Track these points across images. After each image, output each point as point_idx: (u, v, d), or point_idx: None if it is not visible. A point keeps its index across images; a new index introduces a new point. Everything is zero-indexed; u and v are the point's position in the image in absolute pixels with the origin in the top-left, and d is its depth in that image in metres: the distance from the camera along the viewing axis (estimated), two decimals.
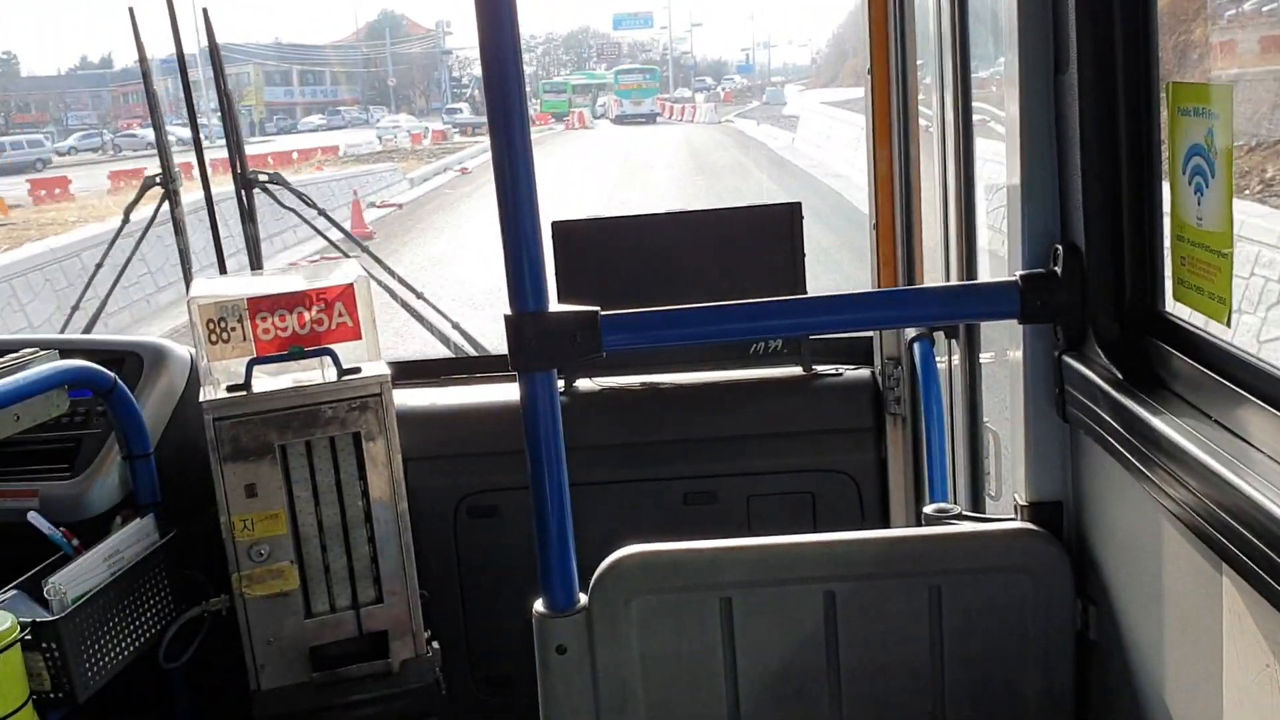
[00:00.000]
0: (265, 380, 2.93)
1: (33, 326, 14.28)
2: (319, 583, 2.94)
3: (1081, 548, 1.91)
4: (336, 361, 2.93)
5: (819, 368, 3.33)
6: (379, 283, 3.82)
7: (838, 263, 13.49)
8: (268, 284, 3.05)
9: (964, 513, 2.08)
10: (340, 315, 3.01)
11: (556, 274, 3.12)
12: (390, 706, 2.96)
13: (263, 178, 3.97)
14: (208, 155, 3.89)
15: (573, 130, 61.53)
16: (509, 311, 1.85)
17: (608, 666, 1.96)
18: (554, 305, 1.87)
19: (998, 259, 2.14)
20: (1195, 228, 1.61)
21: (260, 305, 2.95)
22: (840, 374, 3.32)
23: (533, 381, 1.87)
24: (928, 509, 2.10)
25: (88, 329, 4.15)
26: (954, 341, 2.72)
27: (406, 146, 48.39)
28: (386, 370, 2.95)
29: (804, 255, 3.22)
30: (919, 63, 2.93)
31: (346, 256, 3.82)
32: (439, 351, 4.15)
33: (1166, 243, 1.70)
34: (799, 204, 3.24)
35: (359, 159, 39.77)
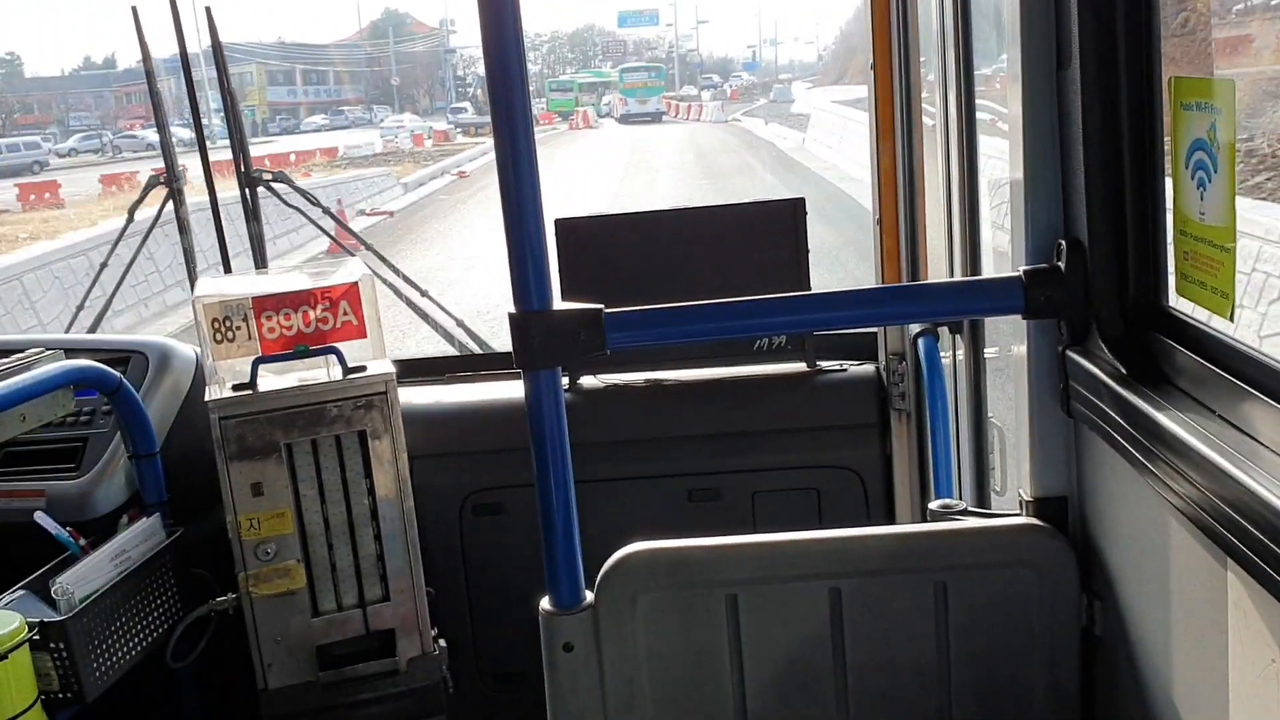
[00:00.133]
0: (270, 379, 2.94)
1: (43, 324, 14.40)
2: (325, 581, 2.94)
3: (1086, 543, 1.91)
4: (342, 360, 2.93)
5: (823, 364, 3.33)
6: (384, 281, 3.83)
7: (860, 281, 13.42)
8: (272, 283, 3.05)
9: (969, 508, 2.08)
10: (345, 314, 3.02)
11: (560, 272, 3.12)
12: (397, 705, 2.97)
13: (266, 176, 3.98)
14: (209, 155, 3.89)
15: (577, 130, 60.86)
16: (513, 310, 1.86)
17: (614, 664, 1.96)
18: (558, 303, 1.88)
19: (1001, 256, 2.14)
20: (1198, 222, 1.61)
21: (265, 304, 2.95)
22: (845, 370, 3.32)
23: (537, 379, 1.88)
24: (933, 505, 2.10)
25: (93, 329, 4.17)
26: (958, 337, 2.72)
27: (409, 147, 47.56)
28: (391, 368, 2.95)
29: (808, 251, 3.21)
30: (922, 59, 2.93)
31: (351, 255, 3.83)
32: (439, 350, 4.16)
33: (1169, 238, 1.70)
34: (802, 200, 3.23)
35: (355, 161, 38.86)
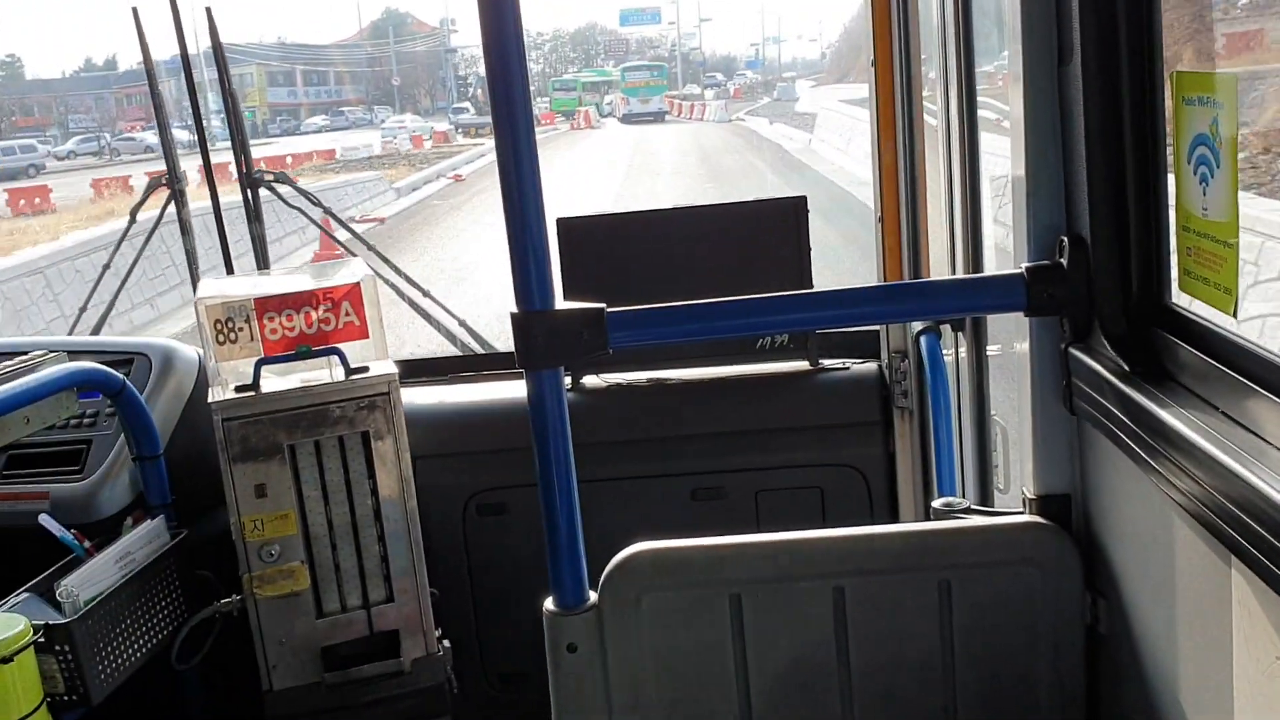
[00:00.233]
0: (273, 380, 2.94)
1: (65, 315, 14.61)
2: (329, 582, 2.94)
3: (1090, 541, 1.91)
4: (344, 361, 2.93)
5: (826, 362, 3.33)
6: (386, 281, 3.83)
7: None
8: (275, 284, 3.05)
9: (972, 506, 2.08)
10: (347, 314, 3.02)
11: (562, 271, 3.12)
12: (402, 705, 2.97)
13: (268, 177, 3.98)
14: (209, 157, 3.89)
15: (578, 130, 60.20)
16: (515, 309, 1.86)
17: (619, 664, 1.96)
18: (560, 303, 1.87)
19: (1003, 253, 2.14)
20: (1201, 218, 1.60)
21: (267, 305, 2.95)
22: (847, 368, 3.32)
23: (540, 379, 1.87)
24: (936, 503, 2.10)
25: (96, 330, 4.17)
26: (960, 335, 2.71)
27: (408, 149, 46.57)
28: (394, 369, 2.95)
29: (810, 249, 3.21)
30: (923, 55, 2.93)
31: (353, 255, 3.83)
32: (436, 351, 4.16)
33: (1172, 233, 1.70)
34: (804, 198, 3.23)
35: (351, 164, 37.64)
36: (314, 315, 2.98)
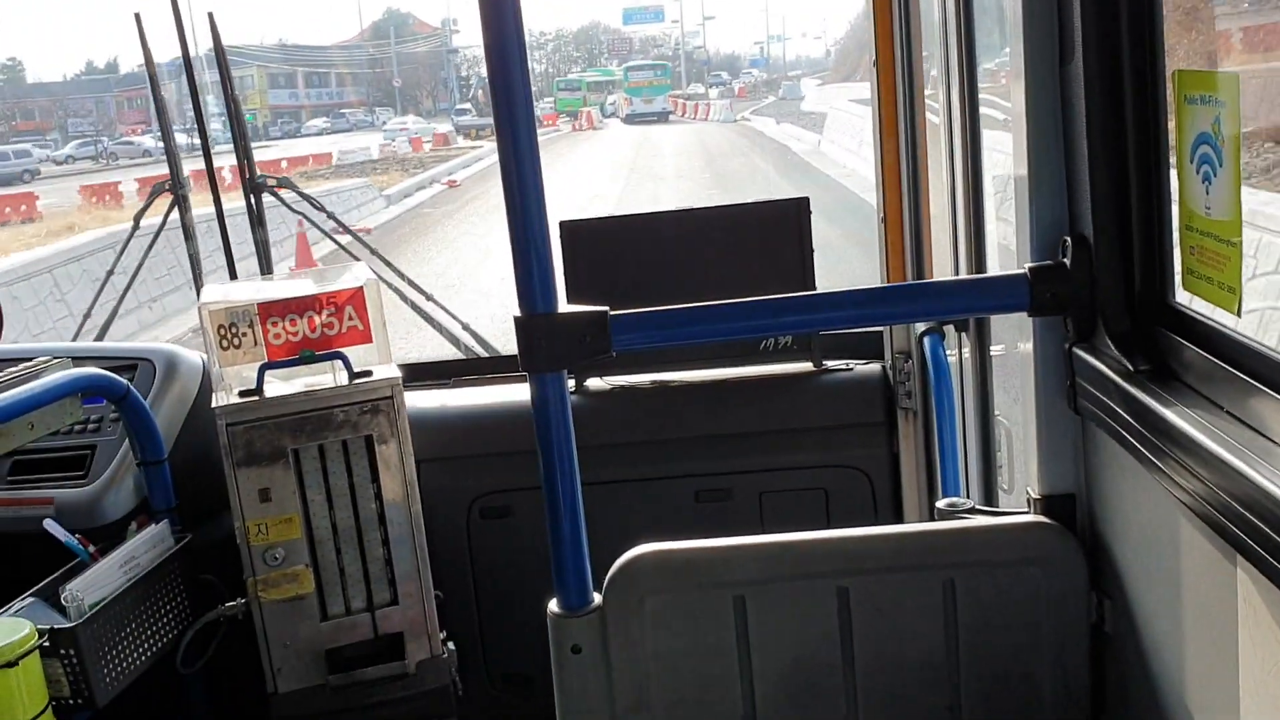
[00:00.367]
0: (277, 385, 2.94)
1: (73, 314, 14.68)
2: (334, 586, 2.94)
3: (1095, 540, 1.91)
4: (347, 365, 2.94)
5: (829, 363, 3.33)
6: (389, 285, 3.83)
7: None
8: (278, 288, 3.06)
9: (977, 506, 2.07)
10: (350, 319, 3.02)
11: (565, 274, 3.12)
12: (407, 708, 2.97)
13: (271, 182, 3.99)
14: (213, 164, 3.90)
15: (580, 132, 59.17)
16: (519, 313, 1.86)
17: (623, 665, 1.96)
18: (563, 306, 1.87)
19: (1006, 251, 2.14)
20: (1204, 217, 1.60)
21: (271, 310, 2.96)
22: (851, 369, 3.32)
23: (543, 382, 1.88)
24: (940, 503, 2.09)
25: (100, 336, 4.17)
26: (964, 335, 2.71)
27: (408, 152, 45.22)
28: (397, 373, 2.95)
29: (812, 250, 3.21)
30: (925, 53, 2.93)
31: (356, 260, 3.83)
32: (437, 356, 4.15)
33: (1175, 232, 1.69)
34: (806, 199, 3.23)
35: (346, 169, 36.04)
36: (317, 320, 2.99)
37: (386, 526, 2.95)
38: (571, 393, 2.02)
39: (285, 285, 3.10)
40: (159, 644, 2.89)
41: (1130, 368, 1.67)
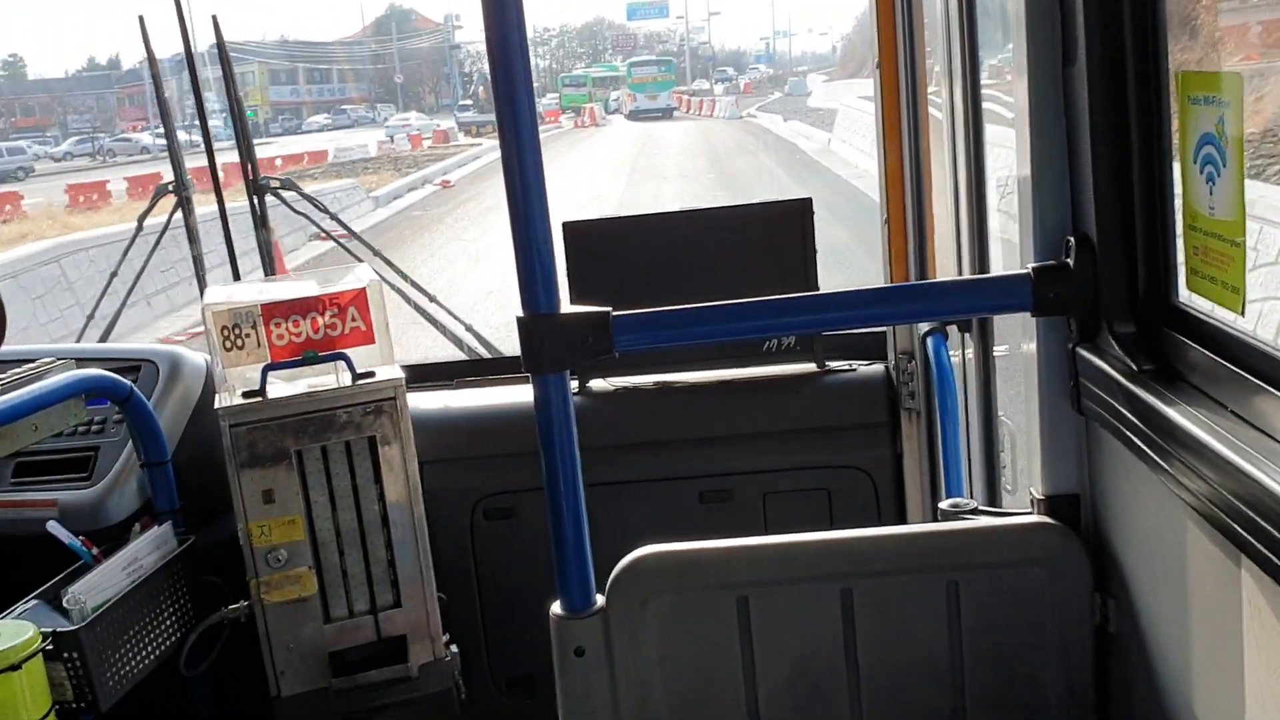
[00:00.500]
0: (280, 386, 2.94)
1: (80, 303, 14.90)
2: (337, 588, 2.94)
3: (1099, 541, 1.90)
4: (351, 366, 2.94)
5: (832, 364, 3.33)
6: (391, 286, 3.83)
7: None
8: (281, 289, 3.06)
9: (980, 507, 2.07)
10: (353, 320, 3.02)
11: (568, 275, 3.12)
12: (410, 711, 2.97)
13: (274, 184, 3.99)
14: (217, 168, 3.90)
15: (582, 128, 58.54)
16: (521, 313, 1.86)
17: (626, 667, 1.96)
18: (566, 306, 1.87)
19: (1009, 245, 2.13)
20: (1208, 217, 1.60)
21: (274, 311, 2.96)
22: (854, 370, 3.31)
23: (546, 383, 1.87)
24: (944, 504, 2.09)
25: (103, 338, 4.18)
26: (967, 335, 2.71)
27: (407, 149, 44.06)
28: (400, 374, 2.95)
29: (815, 251, 3.21)
30: (928, 49, 2.92)
31: (359, 261, 3.83)
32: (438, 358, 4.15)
33: (1179, 233, 1.69)
34: (809, 199, 3.23)
35: (342, 168, 35.01)
36: (320, 321, 2.99)
37: (389, 528, 2.95)
38: (574, 393, 2.01)
39: (288, 286, 3.10)
40: (162, 646, 2.89)
41: (1134, 368, 1.67)
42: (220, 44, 3.89)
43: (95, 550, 2.86)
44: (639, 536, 2.05)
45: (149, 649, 2.83)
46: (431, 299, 4.19)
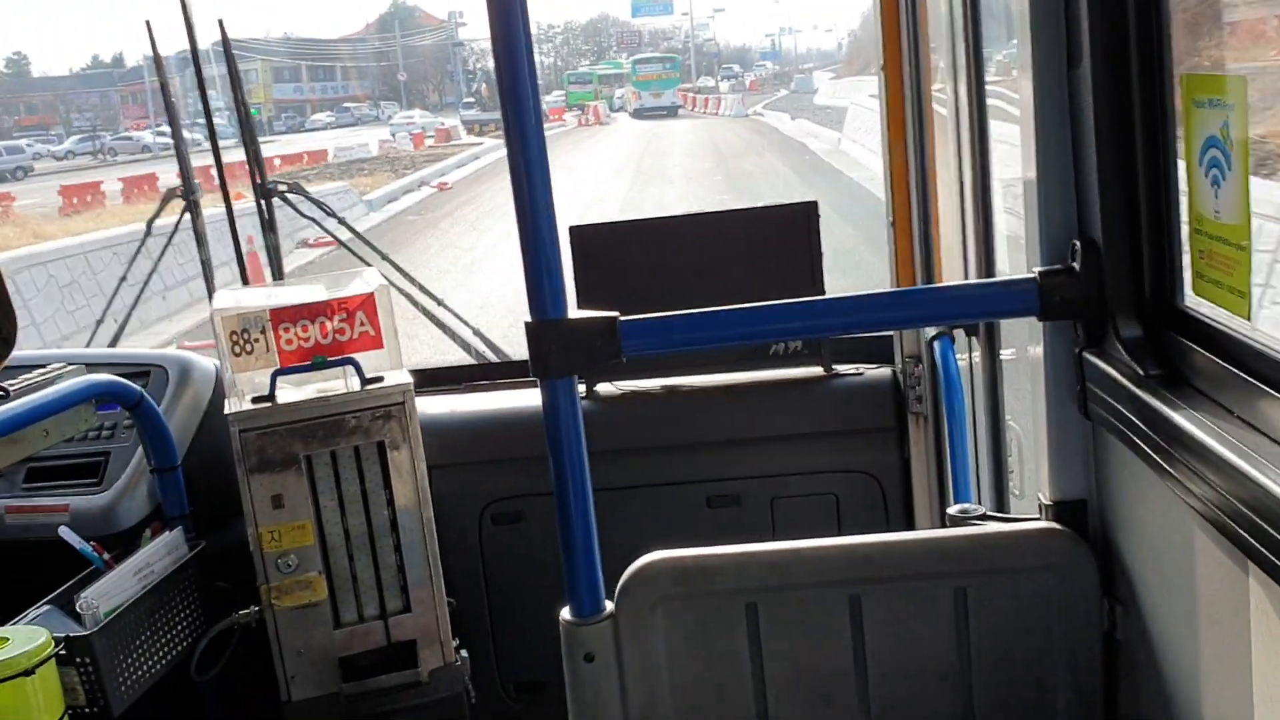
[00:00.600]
0: (289, 391, 2.95)
1: (103, 292, 14.92)
2: (347, 593, 2.95)
3: (1107, 546, 1.90)
4: (359, 371, 2.95)
5: (839, 367, 3.33)
6: (399, 290, 3.84)
7: None
8: (290, 294, 3.07)
9: (988, 513, 2.07)
10: (362, 324, 3.03)
11: (575, 279, 3.13)
12: (420, 715, 2.97)
13: (281, 188, 4.00)
14: (224, 173, 3.91)
15: (586, 126, 57.46)
16: (529, 318, 1.86)
17: (635, 673, 1.96)
18: (573, 311, 1.88)
19: (1015, 244, 2.13)
20: (1213, 220, 1.59)
21: (283, 316, 2.97)
22: (861, 374, 3.31)
23: (554, 388, 1.88)
24: (952, 509, 2.09)
25: (113, 343, 4.19)
26: (974, 339, 2.71)
27: (409, 149, 42.96)
28: (409, 379, 2.96)
29: (821, 254, 3.21)
30: (933, 46, 2.92)
31: (366, 264, 3.84)
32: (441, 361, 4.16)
33: (1185, 236, 1.69)
34: (815, 203, 3.24)
35: (336, 168, 34.06)
36: (329, 326, 3.00)
37: (399, 533, 2.95)
38: (582, 398, 2.02)
39: (297, 291, 3.11)
40: (173, 651, 2.90)
41: (1141, 372, 1.67)
42: (227, 48, 3.91)
43: (107, 555, 2.87)
44: (647, 541, 2.05)
45: (161, 654, 2.84)
46: (440, 303, 4.20)
